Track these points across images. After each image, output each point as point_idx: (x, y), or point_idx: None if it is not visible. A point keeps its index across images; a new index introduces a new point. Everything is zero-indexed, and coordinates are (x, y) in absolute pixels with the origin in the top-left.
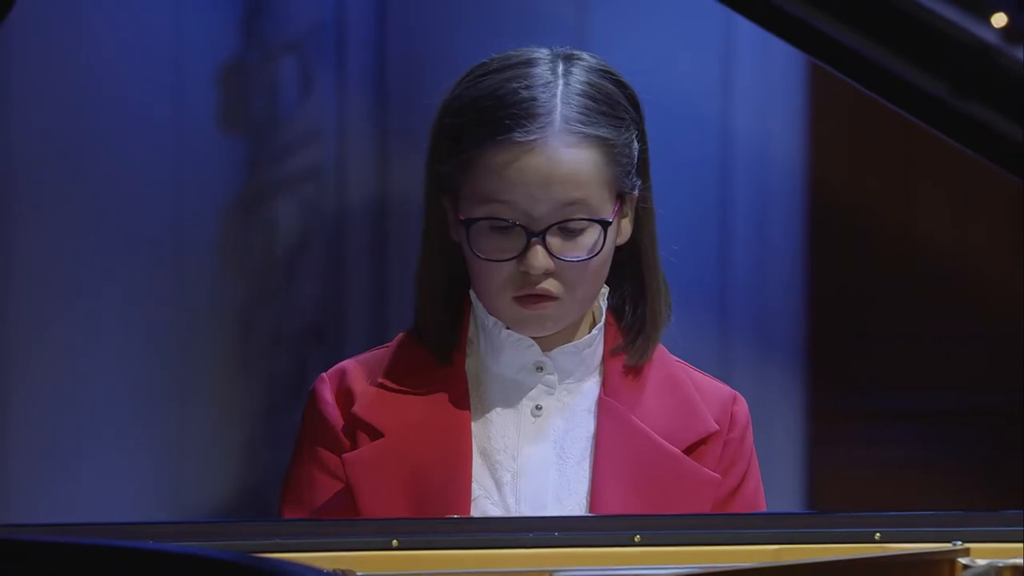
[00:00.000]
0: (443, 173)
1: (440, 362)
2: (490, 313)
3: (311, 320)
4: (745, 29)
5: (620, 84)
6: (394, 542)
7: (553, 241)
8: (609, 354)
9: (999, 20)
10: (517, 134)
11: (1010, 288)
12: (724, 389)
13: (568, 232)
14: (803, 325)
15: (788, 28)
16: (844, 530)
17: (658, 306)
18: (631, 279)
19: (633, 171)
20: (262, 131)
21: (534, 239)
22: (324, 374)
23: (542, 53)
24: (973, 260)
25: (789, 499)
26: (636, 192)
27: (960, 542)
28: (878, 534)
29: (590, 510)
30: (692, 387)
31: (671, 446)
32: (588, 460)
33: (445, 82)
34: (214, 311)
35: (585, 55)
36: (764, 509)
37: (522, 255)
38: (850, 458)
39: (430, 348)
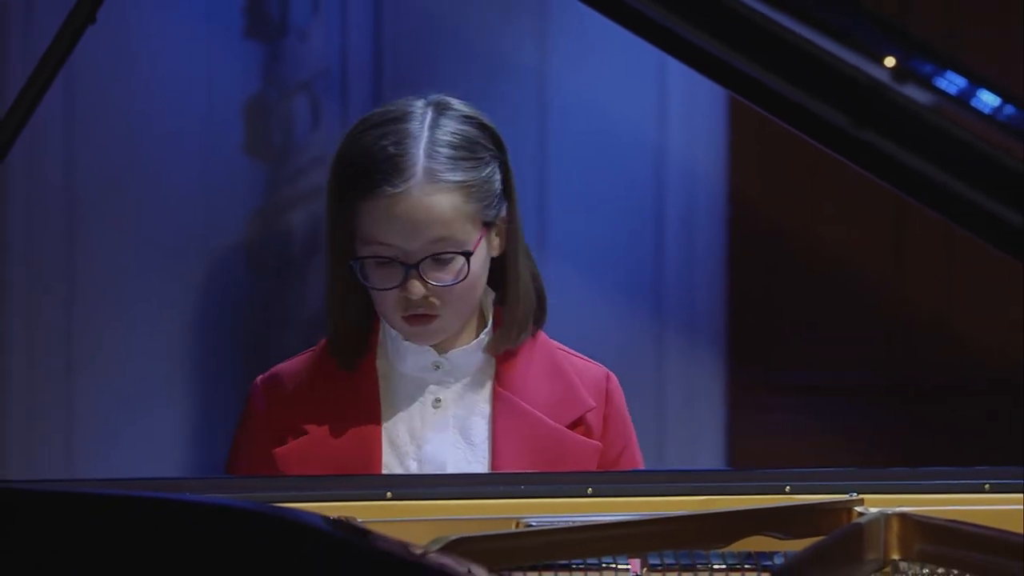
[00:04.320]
0: (344, 215)
1: (353, 370)
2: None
3: (318, 310)
4: (676, 68)
5: (483, 127)
6: (388, 494)
7: (427, 270)
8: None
9: (890, 62)
10: (387, 188)
11: (889, 283)
12: (598, 370)
13: (439, 262)
14: (724, 315)
15: (715, 70)
16: (759, 484)
17: (518, 307)
18: (504, 283)
19: (496, 200)
20: (280, 156)
21: (410, 271)
22: (258, 380)
23: (417, 106)
24: (862, 260)
25: (713, 458)
26: (503, 214)
27: (856, 494)
28: (788, 487)
29: None
30: (572, 371)
31: (556, 424)
32: (487, 442)
33: None
34: (239, 303)
35: (456, 103)
36: (642, 462)
37: (402, 284)
38: (764, 424)
39: (343, 361)
